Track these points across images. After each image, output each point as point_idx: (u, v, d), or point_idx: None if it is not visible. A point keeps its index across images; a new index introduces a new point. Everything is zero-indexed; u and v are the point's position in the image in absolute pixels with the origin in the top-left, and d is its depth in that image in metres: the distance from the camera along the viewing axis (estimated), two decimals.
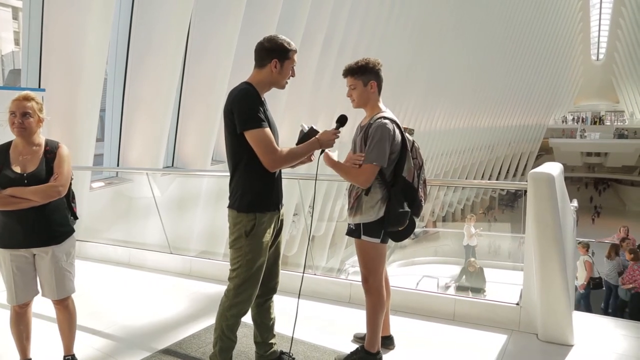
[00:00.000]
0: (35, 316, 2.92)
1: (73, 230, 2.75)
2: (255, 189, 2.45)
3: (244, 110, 2.37)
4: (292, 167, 2.61)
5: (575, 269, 7.55)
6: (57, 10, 6.29)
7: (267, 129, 2.39)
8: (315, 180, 2.78)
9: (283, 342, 2.90)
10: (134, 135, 8.18)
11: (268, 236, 2.49)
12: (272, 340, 2.75)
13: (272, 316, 2.74)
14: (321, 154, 2.64)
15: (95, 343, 3.23)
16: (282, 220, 2.65)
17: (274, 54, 2.45)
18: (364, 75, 2.69)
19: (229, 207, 2.50)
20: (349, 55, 14.47)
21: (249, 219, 2.43)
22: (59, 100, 6.37)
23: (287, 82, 2.56)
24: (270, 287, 2.68)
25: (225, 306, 2.51)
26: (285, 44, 2.47)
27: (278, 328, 2.78)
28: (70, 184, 2.70)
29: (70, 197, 2.74)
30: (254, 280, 2.48)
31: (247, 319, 2.67)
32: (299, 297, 2.77)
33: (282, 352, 2.78)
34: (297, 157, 2.47)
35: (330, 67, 14.15)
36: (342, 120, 2.61)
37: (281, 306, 2.83)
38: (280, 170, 2.57)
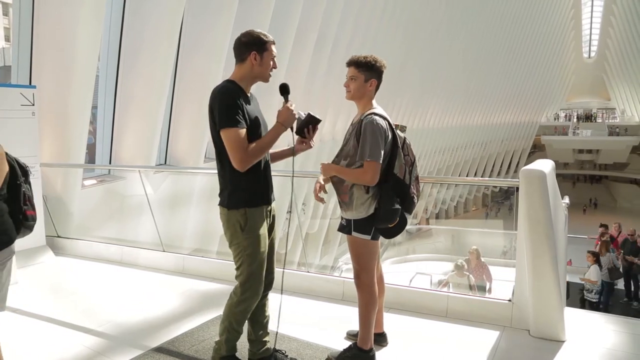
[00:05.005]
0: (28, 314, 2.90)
1: (11, 240, 2.31)
2: (242, 186, 2.47)
3: (221, 108, 2.39)
4: (294, 155, 2.66)
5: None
6: (48, 5, 6.22)
7: (241, 129, 2.38)
8: (292, 176, 2.77)
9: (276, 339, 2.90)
10: (126, 133, 8.13)
11: (263, 229, 2.52)
12: (266, 338, 2.76)
13: (267, 314, 2.75)
14: (294, 140, 2.64)
15: (87, 341, 3.21)
16: (273, 215, 2.66)
17: (252, 47, 2.47)
18: (367, 72, 2.69)
19: (220, 204, 2.53)
20: (342, 53, 14.46)
21: (241, 214, 2.46)
22: (50, 97, 6.32)
23: (270, 75, 2.56)
24: (265, 283, 2.68)
25: (234, 302, 2.55)
26: (262, 36, 2.49)
27: (271, 325, 2.79)
28: (21, 184, 2.35)
29: (21, 199, 2.34)
30: (257, 274, 2.51)
31: None
32: (282, 293, 2.77)
33: (275, 350, 2.79)
34: (266, 146, 2.47)
35: (324, 64, 14.13)
36: (284, 90, 2.58)
37: (275, 304, 2.83)
38: (266, 165, 2.58)
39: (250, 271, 2.49)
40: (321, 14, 12.87)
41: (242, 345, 2.95)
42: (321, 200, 2.80)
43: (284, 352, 2.83)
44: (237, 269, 2.53)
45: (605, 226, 11.35)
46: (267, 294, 2.73)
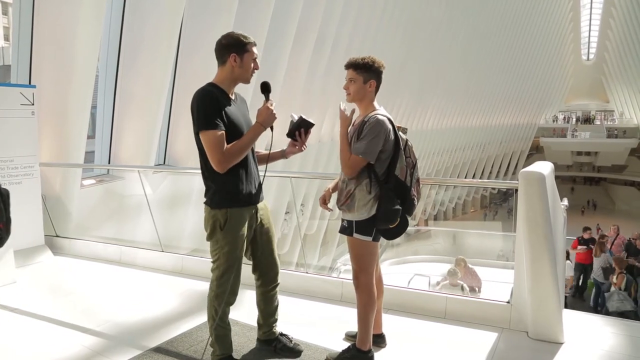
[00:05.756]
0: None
1: None
2: (225, 187, 2.52)
3: (199, 112, 2.43)
4: (268, 160, 2.68)
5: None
6: (48, 5, 6.22)
7: (218, 132, 2.41)
8: (264, 176, 2.73)
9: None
10: (125, 133, 8.13)
11: (243, 229, 2.56)
12: (275, 324, 2.87)
13: (276, 304, 2.85)
14: (272, 140, 2.62)
15: (86, 341, 3.21)
16: (262, 214, 2.69)
17: (232, 49, 2.49)
18: (366, 73, 2.70)
19: (204, 203, 2.61)
20: (341, 53, 14.47)
21: (222, 214, 2.52)
22: (50, 96, 6.31)
23: (252, 76, 2.58)
24: (270, 277, 2.78)
25: (211, 297, 2.63)
26: (242, 38, 2.51)
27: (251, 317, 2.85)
28: None
29: None
30: (233, 271, 2.56)
31: (243, 318, 2.68)
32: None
33: (281, 334, 2.89)
34: (244, 147, 2.49)
35: (323, 65, 14.12)
36: (266, 88, 2.59)
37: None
38: (250, 165, 2.59)
39: (225, 267, 2.56)
40: (321, 14, 12.87)
41: (241, 346, 2.95)
42: (328, 208, 2.92)
43: (289, 336, 2.93)
44: (213, 262, 2.61)
45: (589, 229, 11.37)
46: (275, 287, 2.81)
